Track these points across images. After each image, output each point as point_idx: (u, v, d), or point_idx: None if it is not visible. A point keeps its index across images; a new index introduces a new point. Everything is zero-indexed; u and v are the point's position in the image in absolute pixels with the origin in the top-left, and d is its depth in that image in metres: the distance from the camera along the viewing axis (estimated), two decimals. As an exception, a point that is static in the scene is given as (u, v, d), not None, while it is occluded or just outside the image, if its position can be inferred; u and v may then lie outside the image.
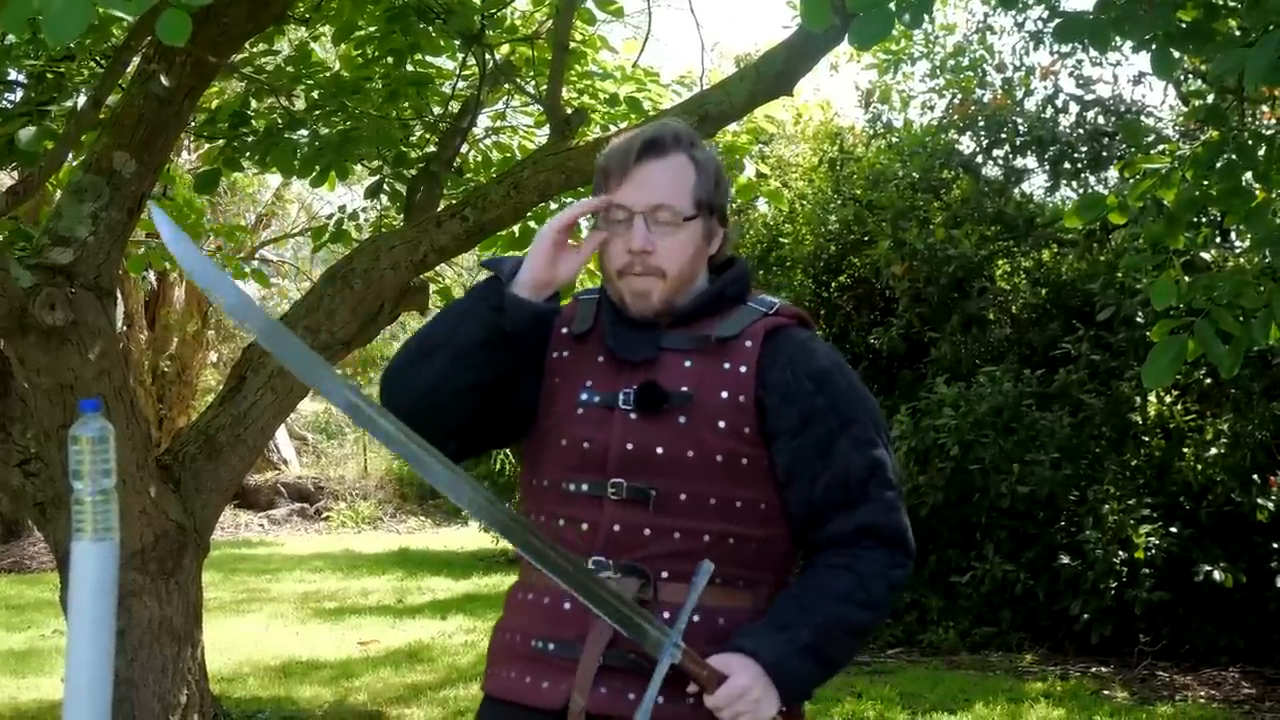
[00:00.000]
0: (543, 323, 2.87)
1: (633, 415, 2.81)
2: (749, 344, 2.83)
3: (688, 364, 2.83)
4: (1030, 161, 12.22)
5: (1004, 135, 12.00)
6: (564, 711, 2.75)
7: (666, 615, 2.70)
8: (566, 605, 2.76)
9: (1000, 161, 12.27)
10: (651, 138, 2.89)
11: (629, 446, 2.79)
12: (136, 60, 6.39)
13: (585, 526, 2.81)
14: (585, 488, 2.82)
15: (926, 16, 3.81)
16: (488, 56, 7.28)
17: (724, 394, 2.79)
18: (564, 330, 2.98)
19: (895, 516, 2.81)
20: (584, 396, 2.87)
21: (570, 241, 2.88)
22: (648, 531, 2.77)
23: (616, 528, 2.78)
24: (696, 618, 2.70)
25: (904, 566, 2.82)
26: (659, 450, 2.78)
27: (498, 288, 2.84)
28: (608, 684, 2.72)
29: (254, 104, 7.75)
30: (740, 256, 3.02)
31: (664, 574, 2.74)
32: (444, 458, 2.63)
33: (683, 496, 2.76)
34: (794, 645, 2.69)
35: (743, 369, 2.81)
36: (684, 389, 2.80)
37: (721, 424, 2.78)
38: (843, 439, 2.79)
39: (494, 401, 2.89)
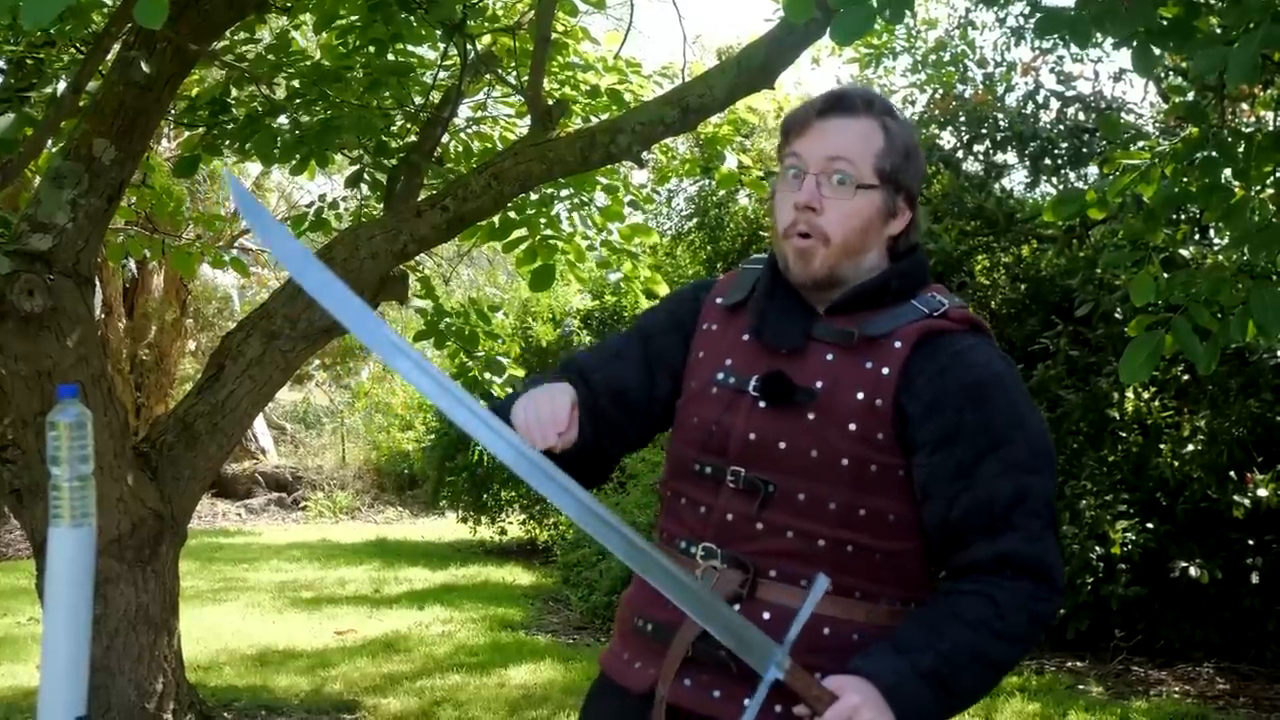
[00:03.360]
0: (578, 449, 2.71)
1: (761, 404, 2.68)
2: (898, 345, 2.65)
3: (829, 358, 2.67)
4: (1011, 157, 12.26)
5: (985, 131, 12.02)
6: (649, 697, 2.68)
7: (767, 616, 2.59)
8: None
9: (981, 157, 12.28)
10: (841, 94, 2.74)
11: (751, 436, 2.67)
12: (117, 47, 6.38)
13: (703, 510, 2.71)
14: (709, 470, 2.71)
15: (908, 11, 3.82)
16: (469, 47, 7.27)
17: (859, 395, 2.63)
18: (718, 300, 2.87)
19: (1040, 547, 2.60)
20: (720, 376, 2.75)
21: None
22: (760, 526, 2.64)
23: (729, 516, 2.67)
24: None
25: (1048, 600, 2.62)
26: (781, 445, 2.64)
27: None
28: (694, 678, 2.64)
29: (234, 92, 7.73)
30: (920, 249, 2.83)
31: (771, 572, 2.63)
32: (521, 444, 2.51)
33: (801, 496, 2.62)
34: (915, 669, 2.52)
35: (884, 371, 2.63)
36: (818, 384, 2.64)
37: (852, 426, 2.62)
38: (990, 460, 2.60)
39: (608, 440, 2.83)
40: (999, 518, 2.59)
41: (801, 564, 2.60)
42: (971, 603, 2.58)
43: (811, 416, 2.64)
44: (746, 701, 2.55)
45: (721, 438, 2.71)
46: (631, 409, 2.87)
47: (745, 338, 2.78)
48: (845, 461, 2.62)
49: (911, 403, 2.62)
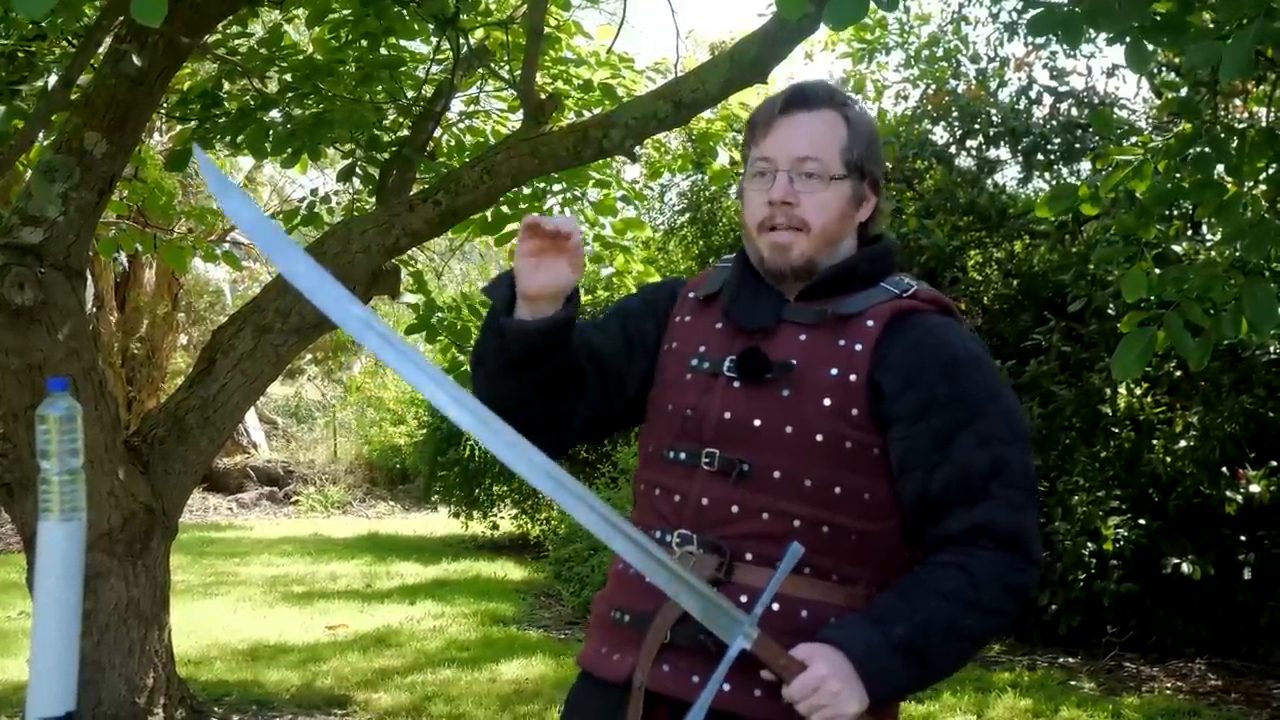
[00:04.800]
0: (557, 333, 2.68)
1: (735, 383, 2.70)
2: (870, 323, 2.67)
3: (802, 337, 2.69)
4: (1003, 153, 12.22)
5: (977, 126, 11.99)
6: (627, 685, 2.67)
7: (744, 599, 2.58)
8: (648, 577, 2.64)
9: (973, 152, 12.26)
10: (802, 89, 2.79)
11: (727, 415, 2.69)
12: (109, 40, 6.36)
13: (677, 498, 2.72)
14: (683, 456, 2.72)
15: (902, 1, 3.81)
16: (462, 41, 7.26)
17: (833, 371, 2.64)
18: (690, 295, 2.90)
19: (1017, 517, 2.61)
20: (694, 362, 2.77)
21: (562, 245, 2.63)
22: (735, 509, 2.65)
23: (705, 501, 2.68)
24: (776, 606, 2.58)
25: (1024, 571, 2.62)
26: (756, 422, 2.66)
27: (495, 317, 2.71)
28: (673, 663, 2.63)
29: (226, 86, 7.72)
30: (888, 235, 2.87)
31: (747, 555, 2.63)
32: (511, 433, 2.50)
33: (776, 474, 2.63)
34: (887, 639, 2.52)
35: (858, 347, 2.65)
36: (791, 361, 2.66)
37: (827, 402, 2.63)
38: (966, 432, 2.62)
39: (576, 393, 2.81)
40: (977, 488, 2.60)
41: (778, 545, 2.58)
42: (947, 574, 2.59)
43: (786, 393, 2.66)
44: (726, 686, 2.54)
45: (697, 421, 2.73)
46: (606, 374, 2.86)
47: (718, 325, 2.81)
48: (820, 438, 2.63)
49: (886, 378, 2.64)
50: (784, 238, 2.72)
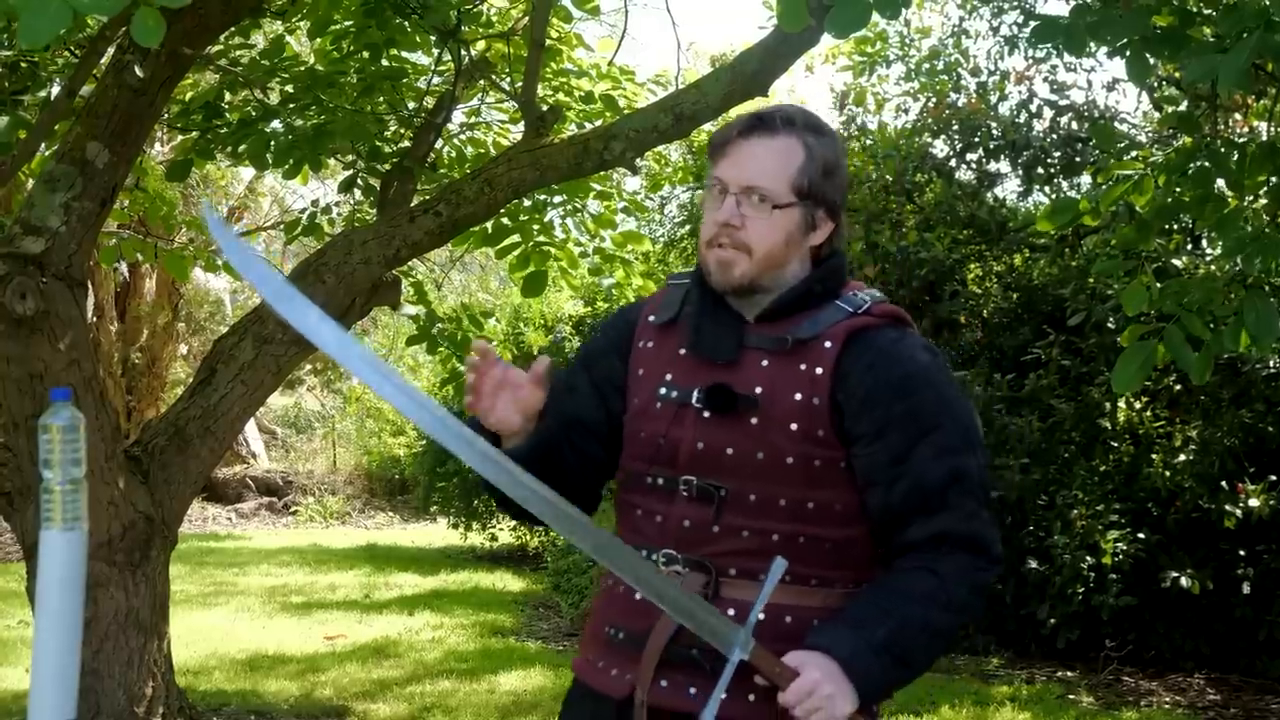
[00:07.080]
0: (543, 447, 2.85)
1: (705, 414, 2.80)
2: (828, 345, 2.78)
3: (765, 364, 2.79)
4: (1003, 166, 12.22)
5: (978, 139, 12.00)
6: (628, 701, 2.78)
7: (732, 613, 2.71)
8: (639, 595, 2.73)
9: (973, 165, 12.26)
10: (761, 115, 2.86)
11: (700, 445, 2.80)
12: (111, 50, 6.37)
13: (659, 519, 2.83)
14: (661, 482, 2.84)
15: (904, 10, 3.82)
16: (463, 52, 7.27)
17: (797, 396, 2.76)
18: (650, 319, 2.98)
19: (974, 524, 2.76)
20: (662, 391, 2.87)
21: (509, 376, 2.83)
22: (716, 529, 2.77)
23: (686, 523, 2.79)
24: (762, 615, 2.69)
25: (986, 570, 2.78)
26: (729, 451, 2.77)
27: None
28: (669, 677, 2.76)
29: (228, 96, 7.73)
30: (840, 251, 2.95)
31: (731, 571, 2.76)
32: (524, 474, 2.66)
33: (752, 497, 2.76)
34: (870, 643, 2.65)
35: (818, 371, 2.77)
36: (757, 390, 2.77)
37: (794, 427, 2.75)
38: (922, 446, 2.74)
39: (579, 465, 2.96)
40: (935, 499, 2.74)
41: (759, 560, 2.73)
42: (918, 578, 2.74)
43: (755, 421, 2.77)
44: (723, 694, 2.65)
45: (670, 450, 2.83)
46: (594, 434, 2.99)
47: (681, 351, 2.90)
48: (790, 460, 2.76)
49: (847, 399, 2.76)
50: (726, 255, 2.82)
